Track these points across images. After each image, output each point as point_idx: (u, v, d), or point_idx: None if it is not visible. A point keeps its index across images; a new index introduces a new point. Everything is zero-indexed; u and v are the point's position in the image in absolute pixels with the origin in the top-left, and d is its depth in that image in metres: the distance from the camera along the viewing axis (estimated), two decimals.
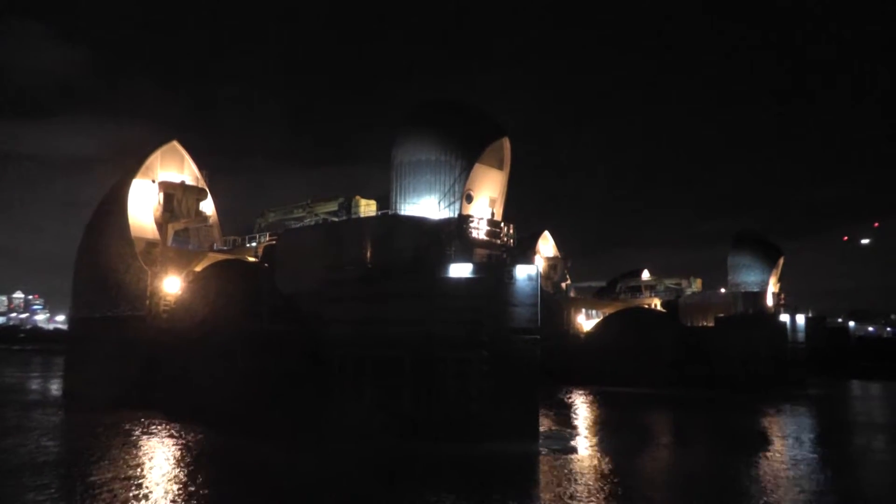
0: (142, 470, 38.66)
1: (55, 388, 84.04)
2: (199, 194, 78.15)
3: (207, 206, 79.75)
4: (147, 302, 69.39)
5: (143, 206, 75.37)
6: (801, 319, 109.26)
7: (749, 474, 41.42)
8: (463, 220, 50.25)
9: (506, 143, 54.18)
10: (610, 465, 42.70)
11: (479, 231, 51.04)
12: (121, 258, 72.43)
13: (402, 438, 46.29)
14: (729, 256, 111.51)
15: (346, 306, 50.69)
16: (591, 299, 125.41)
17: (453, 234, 49.92)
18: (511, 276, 48.08)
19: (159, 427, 53.84)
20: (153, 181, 76.31)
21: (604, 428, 60.73)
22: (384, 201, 56.09)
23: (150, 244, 74.07)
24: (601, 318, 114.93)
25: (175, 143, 79.18)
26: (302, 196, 70.12)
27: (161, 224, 74.91)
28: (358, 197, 58.23)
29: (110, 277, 73.02)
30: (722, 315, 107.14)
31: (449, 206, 50.91)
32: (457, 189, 50.75)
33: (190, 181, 78.60)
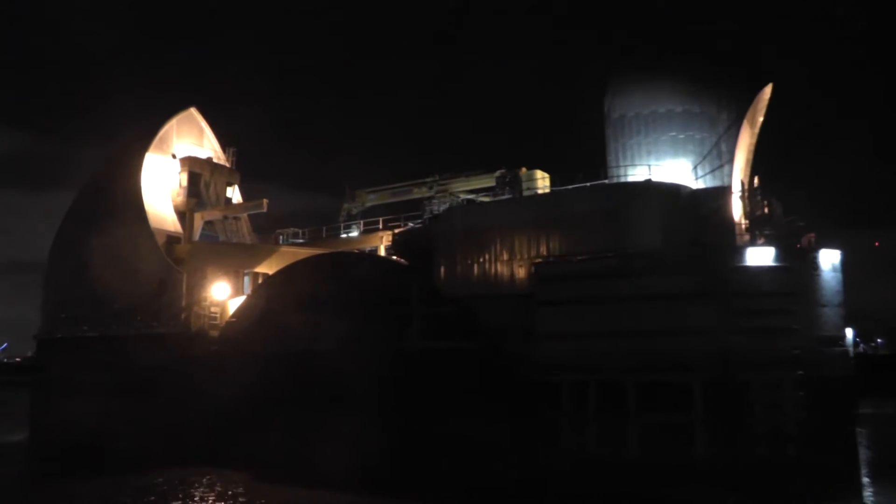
0: None
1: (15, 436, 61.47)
2: (229, 176, 60.75)
3: (234, 193, 62.48)
4: (183, 315, 51.08)
5: (158, 188, 56.82)
6: (849, 333, 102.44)
7: None
8: (745, 192, 36.93)
9: (765, 94, 41.34)
10: None
11: (752, 206, 37.65)
12: (136, 257, 53.49)
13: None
14: None
15: (573, 312, 35.79)
16: None
17: (723, 208, 36.55)
18: (815, 266, 35.42)
19: (238, 491, 37.48)
20: (173, 156, 57.95)
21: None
22: None
23: (173, 238, 55.89)
24: None
25: (193, 111, 60.91)
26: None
27: (185, 212, 56.77)
28: (524, 168, 43.76)
29: (118, 284, 53.70)
30: None
31: (711, 171, 37.55)
32: (724, 149, 37.45)
33: (214, 159, 60.83)
